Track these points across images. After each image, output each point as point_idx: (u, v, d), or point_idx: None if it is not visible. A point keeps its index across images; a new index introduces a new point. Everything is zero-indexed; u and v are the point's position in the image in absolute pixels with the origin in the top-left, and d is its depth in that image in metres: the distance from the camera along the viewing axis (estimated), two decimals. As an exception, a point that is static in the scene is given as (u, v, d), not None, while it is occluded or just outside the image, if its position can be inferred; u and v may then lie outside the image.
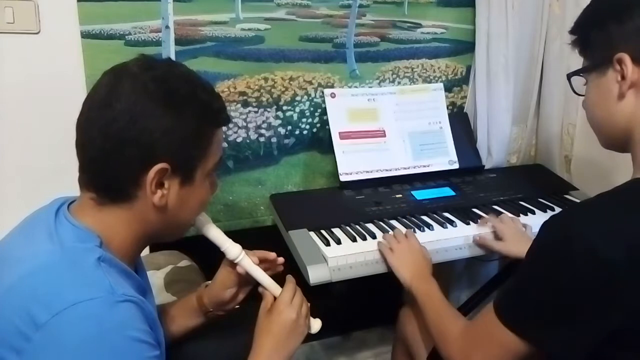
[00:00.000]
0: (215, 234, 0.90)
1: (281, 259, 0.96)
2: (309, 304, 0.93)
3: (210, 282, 0.99)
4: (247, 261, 0.91)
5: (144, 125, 0.70)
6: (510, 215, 1.28)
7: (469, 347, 0.84)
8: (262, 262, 0.93)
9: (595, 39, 0.83)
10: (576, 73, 0.90)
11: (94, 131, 0.71)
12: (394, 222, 1.27)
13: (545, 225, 0.76)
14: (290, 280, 0.93)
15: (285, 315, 0.87)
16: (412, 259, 1.10)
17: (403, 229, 1.21)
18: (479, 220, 1.27)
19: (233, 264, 0.92)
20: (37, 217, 0.75)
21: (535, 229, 1.18)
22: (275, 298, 0.91)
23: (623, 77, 0.79)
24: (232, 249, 0.90)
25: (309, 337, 0.92)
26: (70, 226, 0.71)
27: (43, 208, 0.77)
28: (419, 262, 1.10)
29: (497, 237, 1.20)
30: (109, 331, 0.62)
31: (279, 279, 0.94)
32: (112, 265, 0.69)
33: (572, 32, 0.89)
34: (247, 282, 0.95)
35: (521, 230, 1.21)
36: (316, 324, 0.94)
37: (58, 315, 0.60)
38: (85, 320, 0.61)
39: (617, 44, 0.80)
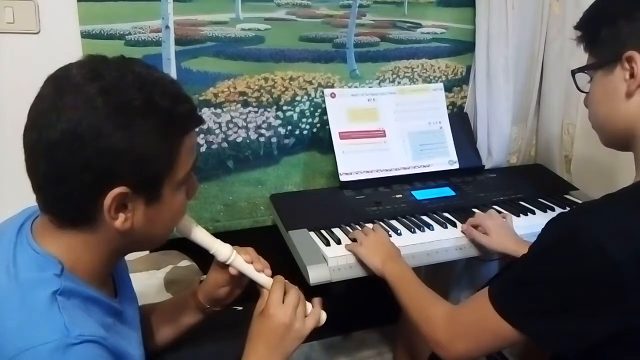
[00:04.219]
0: (202, 237, 0.84)
1: (268, 272, 0.89)
2: (305, 302, 0.87)
3: (205, 276, 0.95)
4: (239, 261, 0.86)
5: (92, 148, 0.61)
6: (497, 212, 1.26)
7: (458, 332, 0.83)
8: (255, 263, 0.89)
9: (604, 36, 0.82)
10: (581, 70, 0.89)
11: (36, 155, 0.63)
12: (394, 222, 1.27)
13: (552, 223, 0.76)
14: (277, 279, 0.87)
15: (276, 318, 0.82)
16: (381, 246, 1.09)
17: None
18: (469, 219, 1.25)
19: (224, 264, 0.87)
20: (0, 234, 0.70)
21: (530, 229, 1.18)
22: None
23: (632, 76, 0.78)
24: (222, 250, 0.85)
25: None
26: (30, 251, 0.66)
27: (8, 223, 0.72)
28: (388, 248, 1.09)
29: (484, 232, 1.18)
30: None
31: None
32: (74, 296, 0.64)
33: (578, 27, 0.88)
34: (242, 279, 0.91)
35: (506, 225, 1.20)
36: (322, 315, 0.89)
37: None
38: None
39: (627, 42, 0.78)
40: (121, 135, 0.62)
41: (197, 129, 0.73)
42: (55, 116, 0.61)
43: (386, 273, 1.03)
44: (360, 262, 1.10)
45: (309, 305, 0.88)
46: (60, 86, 0.63)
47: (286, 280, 0.89)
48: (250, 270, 0.88)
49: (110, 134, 0.61)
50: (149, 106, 0.64)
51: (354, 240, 1.15)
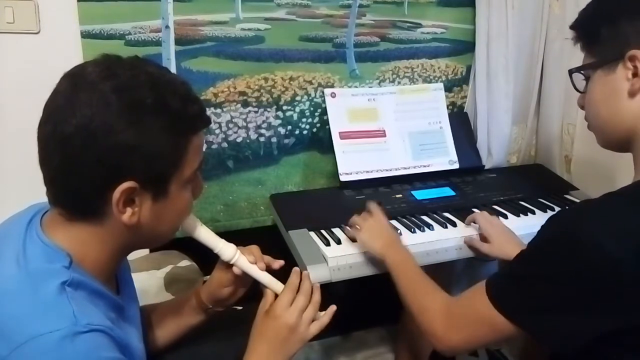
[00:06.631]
0: (206, 236, 0.85)
1: (279, 263, 0.92)
2: (317, 304, 0.87)
3: (208, 277, 0.95)
4: (242, 261, 0.87)
5: (104, 144, 0.63)
6: (491, 214, 1.23)
7: (454, 324, 0.83)
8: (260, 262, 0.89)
9: (605, 35, 0.81)
10: (580, 69, 0.88)
11: (50, 148, 0.65)
12: (394, 222, 1.26)
13: (552, 220, 0.76)
14: (292, 280, 0.88)
15: (281, 320, 0.83)
16: (381, 230, 1.09)
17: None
18: (466, 220, 1.25)
19: (228, 264, 0.88)
20: (8, 228, 0.71)
21: (530, 229, 1.18)
22: (276, 295, 0.87)
23: (635, 75, 0.78)
24: (226, 249, 0.86)
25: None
26: (39, 243, 0.67)
27: (16, 218, 0.73)
28: (388, 232, 1.08)
29: (484, 238, 1.16)
30: None
31: (281, 276, 0.91)
32: (81, 288, 0.65)
33: (575, 26, 0.87)
34: (246, 279, 0.91)
35: (506, 229, 1.17)
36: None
37: (18, 350, 0.58)
38: (45, 355, 0.58)
39: (630, 41, 0.78)
40: (132, 132, 0.64)
41: (205, 130, 0.75)
42: (70, 111, 0.63)
43: (387, 258, 1.02)
44: (361, 261, 1.10)
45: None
46: (75, 83, 0.65)
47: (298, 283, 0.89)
48: (254, 270, 0.88)
49: (122, 131, 0.63)
50: (160, 105, 0.66)
51: (352, 225, 1.14)
